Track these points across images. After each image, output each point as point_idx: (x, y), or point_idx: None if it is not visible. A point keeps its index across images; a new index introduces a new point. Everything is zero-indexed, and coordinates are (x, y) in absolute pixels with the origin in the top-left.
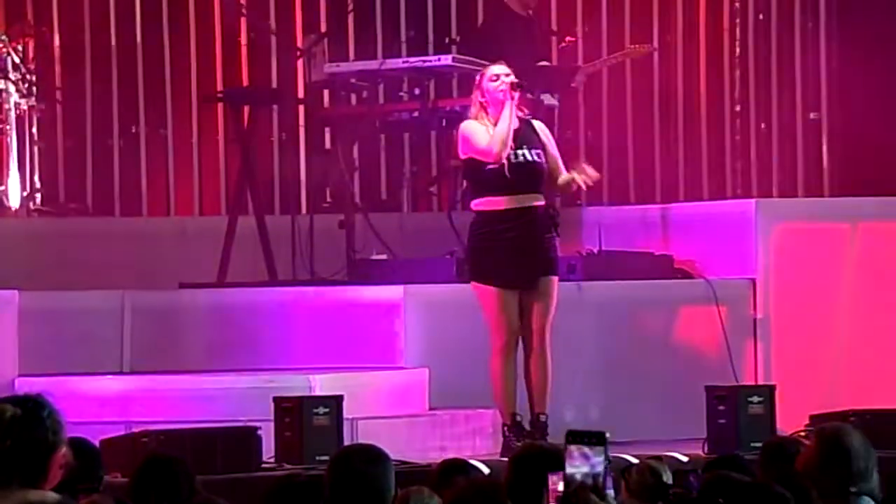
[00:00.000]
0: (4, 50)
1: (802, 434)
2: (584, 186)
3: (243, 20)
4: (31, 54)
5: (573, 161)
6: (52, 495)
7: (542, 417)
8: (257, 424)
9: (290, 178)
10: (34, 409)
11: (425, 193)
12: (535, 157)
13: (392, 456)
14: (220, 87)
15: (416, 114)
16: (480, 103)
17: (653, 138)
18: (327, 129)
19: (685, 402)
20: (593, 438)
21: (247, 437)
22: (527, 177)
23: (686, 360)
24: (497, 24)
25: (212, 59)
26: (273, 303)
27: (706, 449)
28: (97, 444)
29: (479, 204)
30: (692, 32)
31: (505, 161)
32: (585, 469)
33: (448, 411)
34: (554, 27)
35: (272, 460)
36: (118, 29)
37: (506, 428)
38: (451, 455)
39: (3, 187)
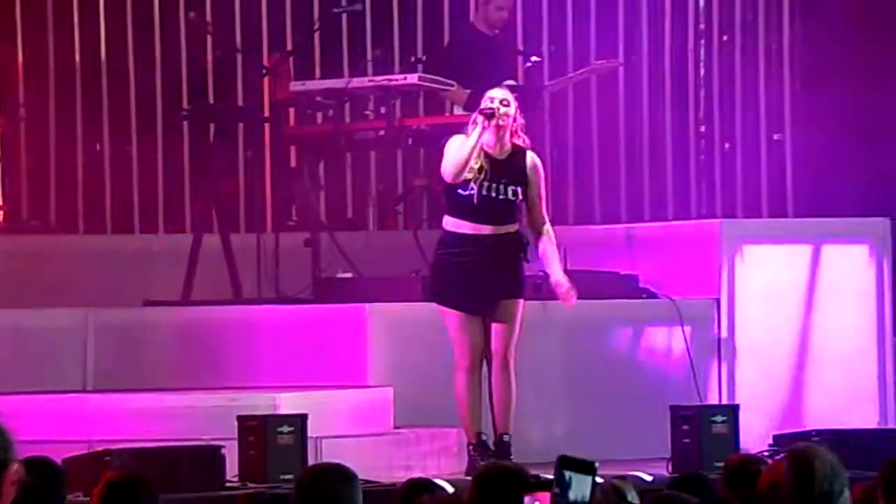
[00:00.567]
0: None
1: (766, 454)
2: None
3: (209, 38)
4: None
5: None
6: None
7: (506, 438)
8: (221, 443)
9: (255, 197)
10: None
11: (391, 212)
12: (509, 195)
13: (357, 475)
14: (185, 104)
15: (382, 132)
16: (475, 123)
17: (618, 158)
18: (293, 148)
19: (649, 421)
20: (584, 467)
21: (211, 456)
22: (495, 211)
23: (650, 379)
24: (463, 44)
25: (177, 76)
26: (238, 321)
27: (670, 468)
28: (60, 462)
29: (447, 223)
30: (657, 53)
31: (475, 190)
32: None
33: (413, 430)
34: (520, 46)
35: (236, 479)
36: (83, 45)
37: (471, 447)
38: (416, 474)
39: None
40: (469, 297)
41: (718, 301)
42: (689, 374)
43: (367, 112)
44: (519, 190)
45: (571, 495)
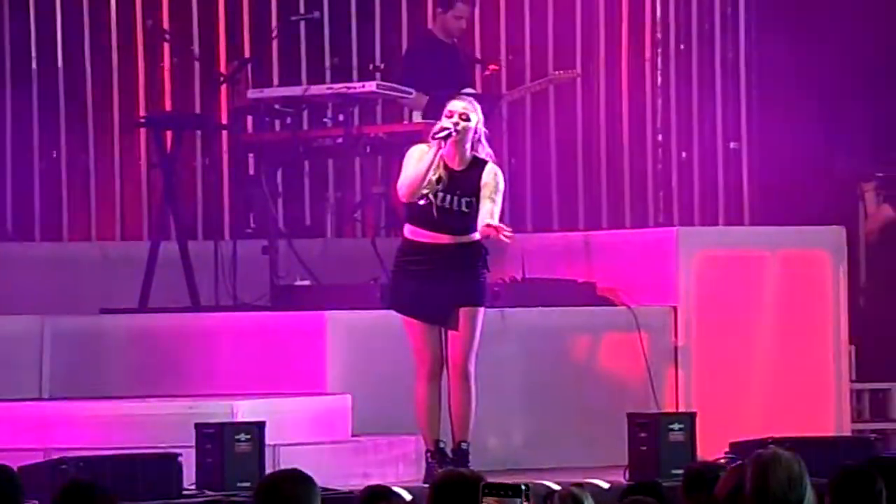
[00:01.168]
0: None
1: (723, 461)
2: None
3: (166, 45)
4: None
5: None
6: None
7: (464, 445)
8: (178, 451)
9: (213, 204)
10: None
11: (349, 220)
12: (463, 208)
13: (316, 483)
14: (142, 111)
15: (339, 140)
16: (433, 136)
17: (576, 167)
18: (251, 155)
19: (607, 428)
20: (510, 491)
21: (168, 464)
22: (453, 222)
23: (608, 387)
24: (421, 52)
25: (134, 83)
26: (195, 328)
27: (627, 476)
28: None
29: (407, 230)
30: (614, 62)
31: (433, 201)
32: None
33: (371, 438)
34: (478, 55)
35: (193, 487)
36: (39, 52)
37: (429, 455)
38: (374, 481)
39: None
40: (427, 305)
41: (676, 308)
42: (647, 382)
43: (325, 120)
44: (473, 202)
45: None
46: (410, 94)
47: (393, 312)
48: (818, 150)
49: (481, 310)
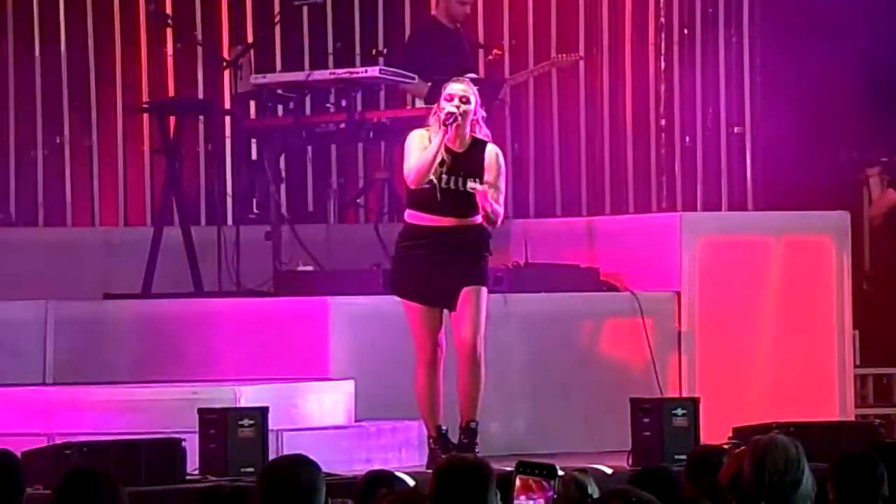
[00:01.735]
0: None
1: (726, 446)
2: (479, 190)
3: (169, 30)
4: None
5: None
6: None
7: (473, 424)
8: (182, 436)
9: (216, 189)
10: None
11: (352, 205)
12: (468, 188)
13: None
14: (145, 97)
15: (342, 125)
16: (437, 117)
17: (579, 151)
18: (254, 140)
19: (610, 414)
20: (544, 471)
21: (171, 449)
22: (456, 203)
23: (611, 372)
24: (424, 37)
25: (137, 69)
26: (198, 314)
27: (630, 461)
28: (19, 455)
29: (409, 216)
30: (617, 47)
31: (436, 183)
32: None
33: (374, 423)
34: (481, 40)
35: (197, 472)
36: (42, 38)
37: (431, 440)
38: (377, 467)
39: None
40: (429, 289)
41: (679, 294)
42: (650, 367)
43: (327, 105)
44: (476, 182)
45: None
46: (413, 79)
47: (396, 298)
48: (822, 136)
49: (485, 290)
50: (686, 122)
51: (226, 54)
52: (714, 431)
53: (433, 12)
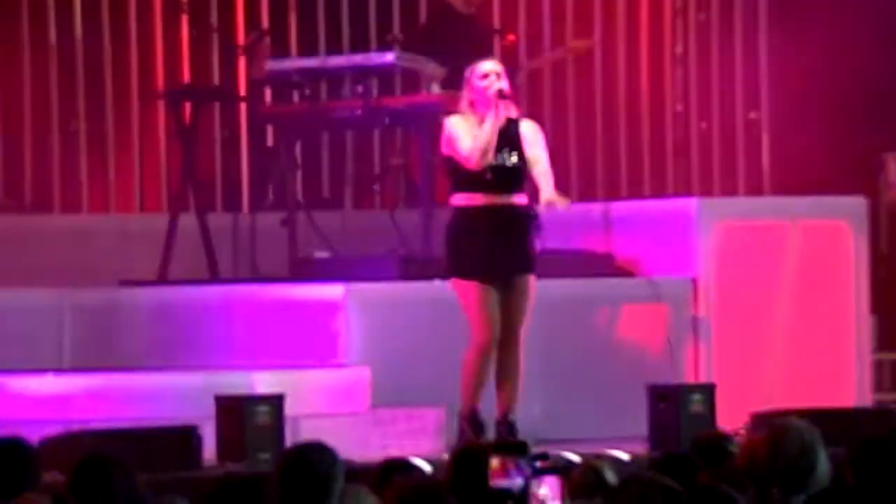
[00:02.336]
0: None
1: (742, 432)
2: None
3: (184, 17)
4: None
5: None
6: None
7: (511, 417)
8: (198, 423)
9: (231, 176)
10: None
11: (368, 192)
12: (515, 161)
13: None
14: (161, 84)
15: (358, 112)
16: (469, 100)
17: (594, 137)
18: (269, 127)
19: (627, 400)
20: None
21: (187, 436)
22: (506, 179)
23: (628, 358)
24: (440, 22)
25: (153, 55)
26: (214, 301)
27: (648, 447)
28: (36, 442)
29: (457, 199)
30: (634, 32)
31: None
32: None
33: (390, 410)
34: (496, 26)
35: (213, 459)
36: (58, 24)
37: (465, 421)
38: (392, 454)
39: None
40: (489, 268)
41: (695, 280)
42: (667, 353)
43: (343, 91)
44: (518, 155)
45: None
46: (429, 65)
47: (412, 284)
48: (838, 120)
49: (534, 277)
50: (702, 107)
51: (241, 40)
52: (731, 417)
53: None
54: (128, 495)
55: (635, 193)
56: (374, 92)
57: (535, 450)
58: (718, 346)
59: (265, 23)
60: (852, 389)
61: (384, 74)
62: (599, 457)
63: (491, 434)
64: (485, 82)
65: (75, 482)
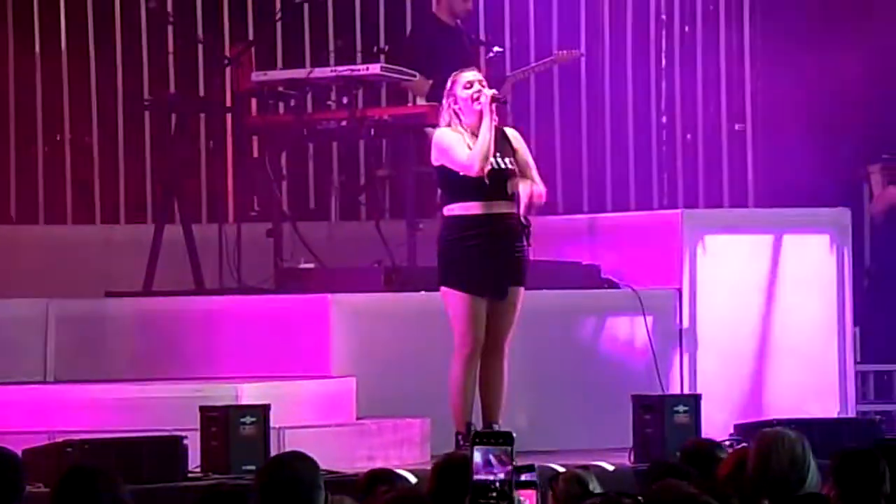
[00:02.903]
0: None
1: (727, 443)
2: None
3: (170, 27)
4: None
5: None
6: None
7: (495, 426)
8: (183, 434)
9: (217, 187)
10: None
11: (353, 203)
12: (509, 165)
13: (319, 465)
14: (146, 94)
15: (344, 123)
16: (454, 111)
17: (580, 149)
18: (255, 138)
19: (611, 411)
20: (500, 439)
21: (172, 447)
22: (502, 184)
23: (612, 369)
24: (425, 34)
25: (138, 66)
26: (200, 312)
27: (632, 458)
28: (20, 453)
29: (452, 209)
30: (619, 44)
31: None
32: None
33: (375, 420)
34: (482, 37)
35: (198, 470)
36: (43, 35)
37: (460, 437)
38: (378, 464)
39: None
40: (481, 279)
41: (680, 291)
42: (651, 364)
43: (329, 102)
44: (512, 160)
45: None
46: (414, 76)
47: (398, 295)
48: (823, 133)
49: (523, 289)
50: (687, 119)
51: (227, 52)
52: (715, 428)
53: (434, 9)
54: None
55: (621, 205)
56: (360, 103)
57: (519, 461)
58: (703, 357)
59: (251, 34)
60: (836, 400)
61: (370, 86)
62: (584, 467)
63: None
64: (470, 91)
65: (60, 493)
